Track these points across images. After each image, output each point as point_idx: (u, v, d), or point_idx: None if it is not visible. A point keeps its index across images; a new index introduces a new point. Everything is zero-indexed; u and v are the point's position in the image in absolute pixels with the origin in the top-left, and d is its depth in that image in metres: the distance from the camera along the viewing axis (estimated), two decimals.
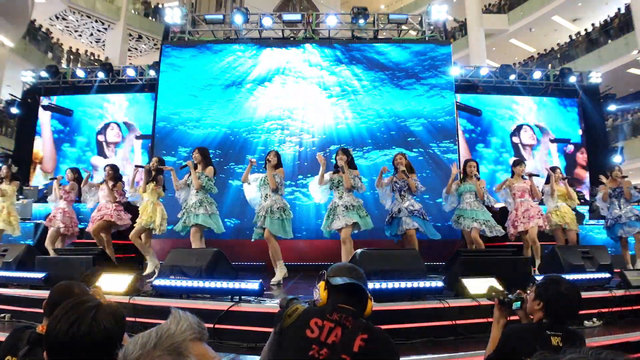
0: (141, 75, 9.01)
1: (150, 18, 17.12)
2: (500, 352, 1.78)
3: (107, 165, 5.71)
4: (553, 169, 5.71)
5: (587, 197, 8.37)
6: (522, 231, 5.16)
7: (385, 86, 7.60)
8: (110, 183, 5.47)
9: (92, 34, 16.57)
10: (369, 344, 1.40)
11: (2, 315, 3.81)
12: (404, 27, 8.31)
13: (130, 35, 16.50)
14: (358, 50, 7.78)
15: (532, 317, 1.91)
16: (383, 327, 1.80)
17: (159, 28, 14.69)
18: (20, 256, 4.47)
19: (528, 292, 1.95)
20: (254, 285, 3.34)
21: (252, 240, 4.93)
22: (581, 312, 2.80)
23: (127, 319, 1.19)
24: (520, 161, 5.53)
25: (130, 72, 8.96)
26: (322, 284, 1.60)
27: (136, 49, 17.50)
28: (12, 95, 9.88)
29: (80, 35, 16.71)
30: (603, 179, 5.74)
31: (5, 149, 10.27)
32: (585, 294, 2.95)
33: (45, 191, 7.93)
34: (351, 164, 4.79)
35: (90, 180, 5.74)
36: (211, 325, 3.12)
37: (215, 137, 7.44)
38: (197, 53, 7.80)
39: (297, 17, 8.02)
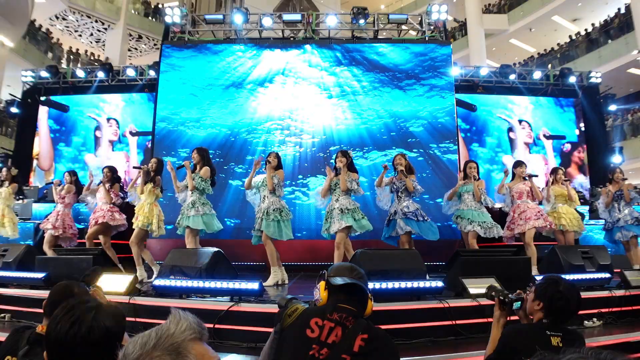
0: (141, 75, 9.01)
1: (150, 18, 17.12)
2: (501, 352, 1.78)
3: (105, 167, 5.70)
4: (555, 170, 5.69)
5: (587, 197, 8.37)
6: (519, 233, 5.13)
7: (385, 87, 7.60)
8: (107, 185, 5.46)
9: (92, 34, 16.58)
10: (369, 344, 1.40)
11: (2, 315, 3.81)
12: (404, 27, 8.31)
13: (130, 35, 16.50)
14: (358, 51, 7.77)
15: (531, 317, 1.91)
16: (383, 327, 1.80)
17: (159, 28, 14.70)
18: (20, 256, 4.48)
19: (528, 292, 1.95)
20: (254, 285, 3.34)
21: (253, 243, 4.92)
22: (581, 312, 2.81)
23: (127, 319, 1.19)
24: (520, 162, 5.49)
25: (130, 72, 8.96)
26: (322, 283, 1.61)
27: (136, 49, 17.50)
28: (12, 95, 9.89)
29: (80, 35, 16.71)
30: (604, 191, 5.69)
31: (5, 149, 10.27)
32: (585, 294, 2.96)
33: (45, 191, 7.94)
34: (351, 167, 4.76)
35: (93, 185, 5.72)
36: (211, 325, 3.12)
37: (215, 137, 7.44)
38: (197, 53, 7.79)
39: (297, 17, 8.02)
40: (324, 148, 7.35)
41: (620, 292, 3.85)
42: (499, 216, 5.74)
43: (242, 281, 3.41)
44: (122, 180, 6.09)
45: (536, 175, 5.46)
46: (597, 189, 7.80)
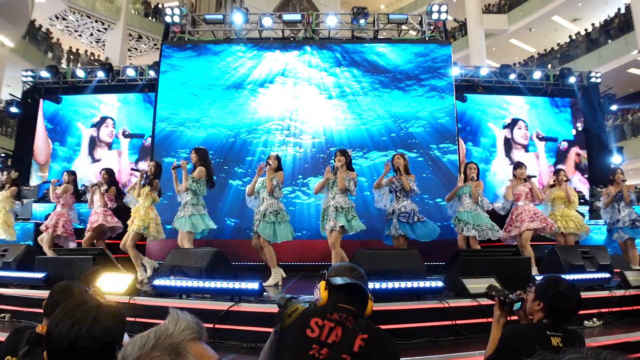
0: (141, 75, 9.01)
1: (150, 18, 17.12)
2: (501, 352, 1.78)
3: (103, 169, 5.69)
4: (557, 172, 5.69)
5: (587, 197, 8.37)
6: (516, 235, 5.14)
7: (386, 87, 7.60)
8: (104, 187, 5.44)
9: (92, 34, 16.57)
10: (369, 344, 1.40)
11: (2, 315, 3.81)
12: (404, 27, 8.31)
13: (130, 35, 16.50)
14: (358, 52, 7.77)
15: (531, 317, 1.91)
16: (383, 327, 1.80)
17: (159, 28, 14.70)
18: (20, 256, 4.48)
19: (528, 292, 1.95)
20: (253, 285, 3.34)
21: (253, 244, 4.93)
22: (581, 312, 2.80)
23: (127, 319, 1.19)
24: (520, 164, 5.50)
25: (130, 72, 8.96)
26: (322, 283, 1.60)
27: (136, 49, 17.50)
28: (12, 95, 9.89)
29: (80, 35, 16.71)
30: (606, 191, 5.70)
31: (5, 149, 10.27)
32: (585, 294, 2.95)
33: (45, 191, 7.94)
34: (349, 166, 4.78)
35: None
36: (211, 325, 3.12)
37: (215, 137, 7.44)
38: (197, 53, 7.79)
39: (297, 17, 8.02)
40: (324, 149, 7.35)
41: (620, 292, 3.85)
42: (500, 217, 5.74)
43: (242, 281, 3.41)
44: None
45: (534, 176, 5.47)
46: (597, 189, 7.80)
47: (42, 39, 14.81)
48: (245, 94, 7.61)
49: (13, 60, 12.40)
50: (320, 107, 7.58)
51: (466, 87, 8.97)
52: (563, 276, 1.95)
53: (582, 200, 7.88)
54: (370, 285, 3.05)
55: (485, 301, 2.97)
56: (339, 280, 1.54)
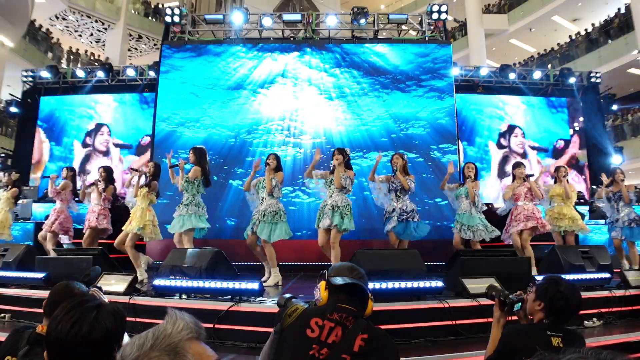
0: (141, 75, 9.01)
1: (150, 18, 17.12)
2: (501, 353, 1.78)
3: (101, 167, 5.67)
4: (557, 168, 5.70)
5: (587, 197, 8.37)
6: (512, 234, 5.17)
7: (386, 88, 7.59)
8: (101, 186, 5.43)
9: (92, 34, 16.57)
10: (369, 344, 1.40)
11: (2, 315, 3.81)
12: (404, 27, 8.31)
13: (130, 35, 16.50)
14: (358, 53, 7.76)
15: (531, 317, 1.91)
16: (383, 327, 1.80)
17: (159, 28, 14.70)
18: (20, 256, 4.48)
19: (529, 292, 1.95)
20: (253, 285, 3.34)
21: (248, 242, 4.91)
22: (581, 312, 2.80)
23: (127, 319, 1.19)
24: (519, 163, 5.52)
25: (130, 72, 8.96)
26: (322, 283, 1.60)
27: (136, 49, 17.50)
28: (12, 95, 9.88)
29: (80, 35, 16.71)
30: (604, 177, 5.75)
31: (5, 149, 10.27)
32: (585, 294, 2.95)
33: (45, 191, 7.94)
34: (347, 164, 4.80)
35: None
36: (211, 325, 3.12)
37: (215, 138, 7.43)
38: (198, 54, 7.78)
39: (297, 17, 8.01)
40: (324, 149, 7.33)
41: (620, 292, 3.86)
42: (500, 217, 5.75)
43: (242, 281, 3.41)
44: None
45: (532, 175, 5.47)
46: (596, 189, 7.80)
47: (42, 39, 14.81)
48: (246, 94, 7.61)
49: (13, 60, 12.40)
50: (320, 108, 7.58)
51: (466, 87, 8.97)
52: (563, 276, 1.95)
53: (582, 200, 7.88)
54: (370, 285, 3.05)
55: (485, 301, 2.97)
56: (339, 280, 1.54)
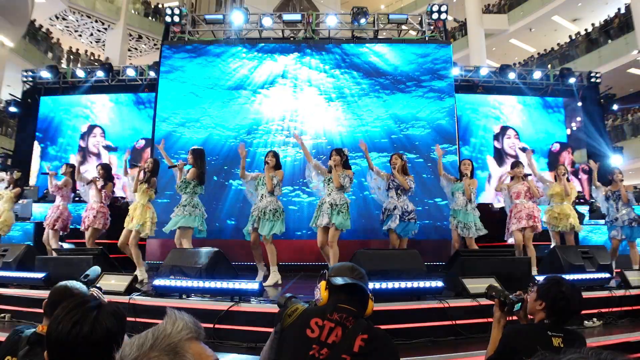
0: (141, 75, 9.01)
1: (150, 18, 17.11)
2: (501, 353, 1.78)
3: (99, 164, 5.69)
4: (557, 167, 5.70)
5: (587, 197, 8.37)
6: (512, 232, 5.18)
7: (385, 89, 7.58)
8: (100, 183, 5.43)
9: (92, 34, 16.57)
10: (369, 344, 1.40)
11: (2, 315, 3.81)
12: (404, 27, 8.30)
13: (130, 35, 16.50)
14: (358, 54, 7.75)
15: (532, 317, 1.91)
16: (383, 327, 1.80)
17: (159, 28, 14.70)
18: (20, 256, 4.48)
19: (529, 292, 1.95)
20: (253, 285, 3.34)
21: (248, 240, 4.91)
22: (581, 312, 2.81)
23: (127, 319, 1.19)
24: (518, 162, 5.54)
25: (130, 72, 8.96)
26: (323, 283, 1.60)
27: (136, 49, 17.50)
28: (12, 95, 9.88)
29: (80, 35, 16.71)
30: (592, 163, 5.85)
31: (5, 149, 10.27)
32: (585, 294, 2.95)
33: (45, 191, 7.94)
34: (345, 164, 4.82)
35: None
36: (211, 325, 3.12)
37: (215, 138, 7.43)
38: (198, 54, 7.78)
39: (297, 17, 8.01)
40: (324, 150, 7.33)
41: (620, 292, 3.86)
42: (499, 217, 5.75)
43: (242, 281, 3.41)
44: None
45: (530, 174, 5.49)
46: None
47: (42, 39, 14.81)
48: (246, 94, 7.60)
49: (13, 60, 12.40)
50: (321, 108, 7.57)
51: (466, 87, 8.96)
52: (563, 276, 1.95)
53: (582, 200, 7.88)
54: (371, 285, 3.06)
55: (485, 301, 2.96)
56: (339, 280, 1.54)
